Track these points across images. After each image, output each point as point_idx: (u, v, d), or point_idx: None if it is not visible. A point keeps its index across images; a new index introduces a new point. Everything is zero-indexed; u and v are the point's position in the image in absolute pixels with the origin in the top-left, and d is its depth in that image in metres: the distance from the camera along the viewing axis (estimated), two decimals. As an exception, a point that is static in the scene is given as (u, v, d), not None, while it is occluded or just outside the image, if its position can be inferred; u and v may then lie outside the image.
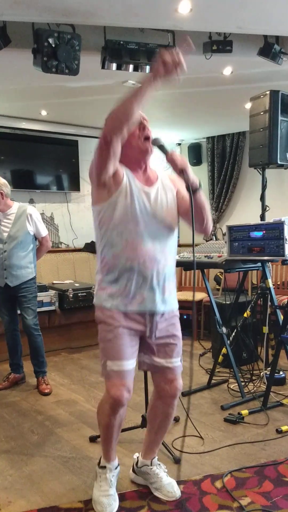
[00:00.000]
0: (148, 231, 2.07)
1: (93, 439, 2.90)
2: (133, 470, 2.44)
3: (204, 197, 2.11)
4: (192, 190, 2.02)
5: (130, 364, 2.09)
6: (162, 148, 2.12)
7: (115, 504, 2.20)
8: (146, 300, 2.10)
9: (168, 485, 2.30)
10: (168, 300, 2.18)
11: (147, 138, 2.10)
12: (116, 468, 2.30)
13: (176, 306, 2.27)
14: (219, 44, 3.35)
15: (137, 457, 2.42)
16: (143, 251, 2.06)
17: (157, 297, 2.11)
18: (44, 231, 3.84)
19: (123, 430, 2.93)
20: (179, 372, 2.24)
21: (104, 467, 2.26)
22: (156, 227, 2.09)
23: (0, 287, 3.74)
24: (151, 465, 2.34)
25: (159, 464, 2.37)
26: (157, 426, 2.32)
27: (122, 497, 2.29)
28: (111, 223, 2.06)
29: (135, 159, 2.12)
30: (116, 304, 2.09)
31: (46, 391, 3.76)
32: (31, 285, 3.77)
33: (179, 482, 2.38)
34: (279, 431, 2.94)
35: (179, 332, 2.24)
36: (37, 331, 3.81)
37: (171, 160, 2.04)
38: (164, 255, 2.12)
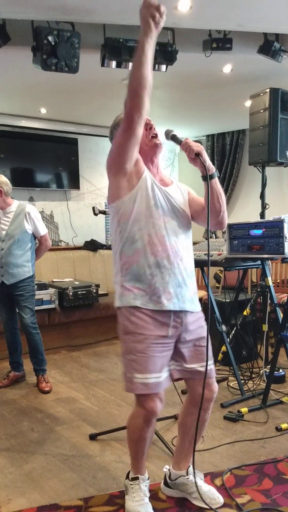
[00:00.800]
0: (170, 226, 2.03)
1: (93, 437, 2.91)
2: (166, 484, 2.31)
3: (219, 185, 2.05)
4: (209, 174, 1.98)
5: (163, 374, 2.01)
6: (174, 138, 2.11)
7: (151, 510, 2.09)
8: (174, 296, 2.00)
9: (208, 492, 2.21)
10: (194, 299, 2.11)
11: (154, 136, 2.11)
12: (147, 479, 2.21)
13: (200, 307, 2.17)
14: (219, 41, 3.35)
15: (169, 470, 2.31)
16: (167, 245, 2.00)
17: (185, 293, 2.04)
18: (43, 230, 3.82)
19: (123, 428, 2.92)
20: (214, 375, 2.17)
21: (137, 478, 2.16)
22: (176, 223, 2.05)
23: None
24: (187, 474, 2.24)
25: (194, 472, 2.22)
26: (191, 434, 2.19)
27: (122, 495, 2.29)
28: (132, 217, 1.99)
29: (146, 156, 2.10)
30: (145, 303, 1.99)
31: (46, 389, 3.76)
32: (28, 284, 3.77)
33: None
34: (278, 429, 2.95)
35: (206, 332, 2.11)
36: (35, 329, 3.81)
37: (186, 145, 2.00)
38: (187, 251, 2.08)
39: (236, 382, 3.62)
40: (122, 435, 2.90)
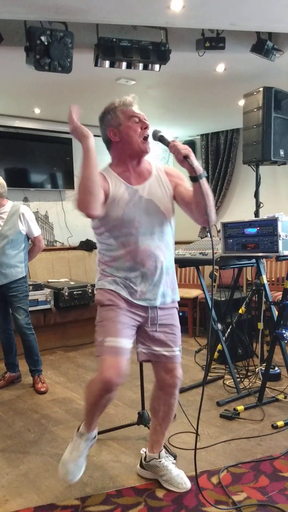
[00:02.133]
0: (143, 230, 2.10)
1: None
2: (141, 465, 2.45)
3: (207, 185, 2.07)
4: (198, 176, 1.99)
5: (127, 343, 2.10)
6: (162, 139, 2.12)
7: (79, 473, 2.22)
8: (146, 294, 2.14)
9: (177, 476, 2.33)
10: (168, 294, 2.22)
11: (146, 138, 2.13)
12: (93, 439, 2.29)
13: (177, 297, 2.29)
14: (212, 41, 3.36)
15: (145, 452, 2.44)
16: (140, 250, 2.10)
17: (158, 291, 2.16)
18: (36, 231, 3.82)
19: (119, 428, 2.94)
20: (179, 361, 2.26)
21: (82, 434, 2.24)
22: (150, 224, 2.12)
23: None
24: (159, 458, 2.36)
25: (166, 456, 2.40)
26: (160, 418, 2.34)
27: (119, 493, 2.30)
28: (106, 230, 2.12)
29: (131, 155, 2.14)
30: (119, 289, 2.13)
31: (42, 389, 3.76)
32: (22, 284, 3.76)
33: (175, 478, 2.39)
34: (274, 427, 2.96)
35: (177, 322, 2.27)
36: (30, 330, 3.80)
37: (173, 147, 2.02)
38: (162, 250, 2.16)
39: (232, 380, 3.63)
40: (119, 435, 2.91)
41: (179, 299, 2.31)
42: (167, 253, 2.19)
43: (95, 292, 2.28)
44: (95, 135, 1.99)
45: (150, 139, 2.15)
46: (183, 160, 1.98)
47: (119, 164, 2.17)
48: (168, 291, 2.22)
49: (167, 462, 2.38)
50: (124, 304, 2.13)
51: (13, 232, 3.65)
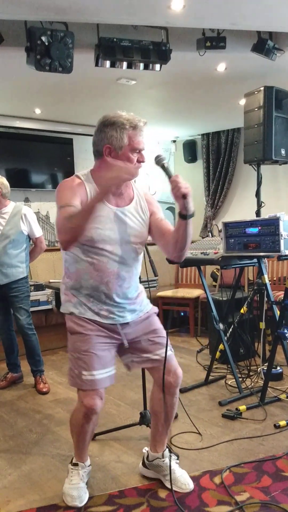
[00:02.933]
0: (114, 254, 2.07)
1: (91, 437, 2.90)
2: (143, 464, 2.45)
3: (191, 226, 2.03)
4: (187, 215, 1.95)
5: (107, 371, 2.13)
6: (165, 168, 2.03)
7: (85, 496, 2.25)
8: (112, 314, 2.13)
9: (181, 477, 2.33)
10: (136, 309, 2.22)
11: (140, 162, 2.08)
12: (88, 466, 2.37)
13: (149, 307, 2.30)
14: (213, 40, 3.35)
15: (147, 451, 2.44)
16: (108, 272, 2.07)
17: (123, 310, 2.15)
18: (38, 232, 3.82)
19: (122, 428, 2.94)
20: (175, 360, 2.27)
21: (77, 464, 2.32)
22: (123, 248, 2.09)
23: None
24: (163, 457, 2.36)
25: (170, 456, 2.39)
26: (163, 418, 2.32)
27: (121, 494, 2.29)
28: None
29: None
30: (83, 312, 2.12)
31: (44, 390, 3.76)
32: (23, 285, 3.76)
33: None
34: (277, 426, 2.95)
35: (157, 325, 2.28)
36: (31, 330, 3.80)
37: (175, 183, 1.93)
38: (129, 275, 2.14)
39: (234, 380, 3.62)
40: (121, 435, 2.90)
41: (150, 307, 2.30)
42: (134, 279, 2.18)
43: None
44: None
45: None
46: (181, 197, 1.91)
47: (102, 178, 2.04)
48: (137, 307, 2.22)
49: (171, 462, 2.37)
50: (94, 327, 2.12)
51: (15, 232, 3.66)
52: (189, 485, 2.31)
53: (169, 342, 2.25)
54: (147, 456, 2.43)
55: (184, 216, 1.96)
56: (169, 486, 2.30)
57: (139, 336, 2.22)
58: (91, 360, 2.08)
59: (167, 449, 2.40)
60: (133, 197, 2.17)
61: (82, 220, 1.88)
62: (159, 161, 2.03)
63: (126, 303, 2.16)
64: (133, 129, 2.02)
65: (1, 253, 3.64)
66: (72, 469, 2.32)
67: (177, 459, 2.50)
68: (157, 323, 2.29)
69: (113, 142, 2.02)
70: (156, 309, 2.34)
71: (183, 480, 2.32)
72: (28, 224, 3.73)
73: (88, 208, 1.88)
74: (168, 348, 2.24)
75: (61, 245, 1.95)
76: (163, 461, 2.35)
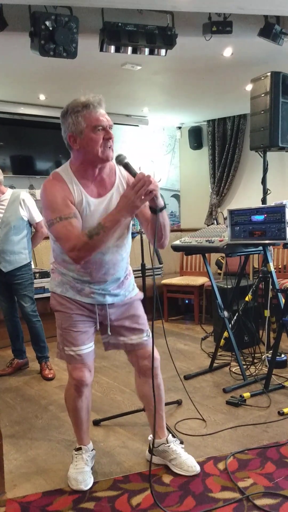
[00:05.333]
0: None
1: (96, 423, 2.93)
2: (150, 451, 2.45)
3: (166, 215, 2.10)
4: (157, 209, 1.98)
5: (86, 348, 2.21)
6: (127, 167, 2.00)
7: (90, 480, 2.28)
8: (95, 294, 2.17)
9: (187, 460, 2.36)
10: (120, 293, 2.24)
11: (109, 147, 2.02)
12: (91, 450, 2.41)
13: (134, 293, 2.33)
14: (219, 25, 3.30)
15: (152, 438, 2.43)
16: (91, 262, 2.08)
17: (105, 294, 2.19)
18: (38, 217, 3.81)
19: (126, 414, 2.96)
20: (150, 345, 2.29)
21: (80, 449, 2.36)
22: None
23: None
24: (167, 442, 2.39)
25: (175, 440, 2.43)
26: (151, 403, 2.32)
27: (125, 479, 2.32)
28: None
29: (92, 165, 2.05)
30: (65, 291, 2.18)
31: (49, 376, 3.79)
32: (26, 272, 3.77)
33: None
34: (281, 413, 2.97)
35: (138, 311, 2.31)
36: (36, 317, 3.83)
37: (140, 180, 1.91)
38: (114, 262, 2.15)
39: (238, 367, 3.63)
40: (125, 421, 2.93)
41: (135, 293, 2.33)
42: (120, 266, 2.18)
43: None
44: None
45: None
46: (148, 194, 1.90)
47: (80, 170, 2.07)
48: (120, 292, 2.24)
49: (176, 446, 2.41)
50: (74, 306, 2.18)
51: (15, 218, 3.66)
52: (196, 467, 2.33)
53: (147, 328, 2.32)
54: (153, 442, 2.44)
55: (154, 210, 1.99)
56: (176, 471, 2.33)
57: (118, 319, 2.26)
58: (71, 337, 2.18)
59: (170, 435, 2.44)
60: (115, 181, 2.14)
61: (106, 238, 1.93)
62: (120, 160, 2.00)
63: (109, 288, 2.19)
64: (87, 108, 1.98)
65: (3, 240, 3.65)
66: (76, 454, 2.36)
67: (181, 444, 2.52)
68: (139, 310, 2.32)
69: (72, 129, 2.02)
70: (141, 295, 2.37)
71: (189, 463, 2.35)
72: (27, 209, 3.72)
73: (113, 226, 1.91)
74: (145, 334, 2.30)
75: (75, 261, 1.97)
76: (169, 446, 2.39)
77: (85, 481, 2.25)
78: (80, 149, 2.03)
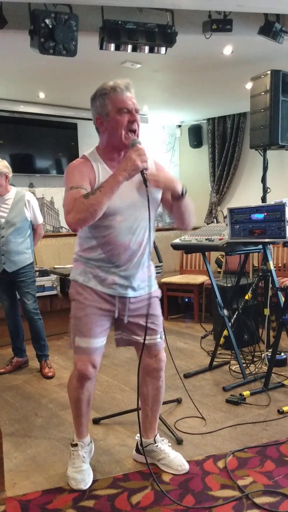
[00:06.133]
0: (125, 225, 2.06)
1: (96, 421, 2.93)
2: (137, 451, 2.47)
3: (189, 200, 2.13)
4: (182, 197, 2.06)
5: (97, 342, 2.18)
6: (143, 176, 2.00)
7: (89, 478, 2.27)
8: (117, 284, 2.13)
9: (176, 459, 2.36)
10: (141, 287, 2.21)
11: (133, 131, 2.03)
12: (88, 444, 2.39)
13: (154, 288, 2.29)
14: (219, 23, 3.30)
15: (139, 438, 2.45)
16: (118, 244, 2.07)
17: (130, 283, 2.15)
18: (40, 219, 3.84)
19: (126, 412, 2.96)
20: (161, 346, 2.31)
21: (76, 445, 2.34)
22: (133, 218, 2.07)
23: None
24: (155, 442, 2.39)
25: (162, 440, 2.43)
26: (151, 403, 2.38)
27: (125, 477, 2.32)
28: None
29: (116, 147, 2.07)
30: (87, 280, 2.14)
31: (49, 374, 3.79)
32: (29, 270, 3.78)
33: (181, 463, 2.42)
34: (280, 412, 2.97)
35: (156, 311, 2.29)
36: (37, 315, 3.83)
37: (155, 185, 2.03)
38: (141, 246, 2.12)
39: (238, 365, 3.63)
40: (125, 419, 2.93)
41: (155, 289, 2.30)
42: (146, 249, 2.15)
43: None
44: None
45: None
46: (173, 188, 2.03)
47: (106, 152, 2.10)
48: (142, 285, 2.21)
49: (164, 445, 2.41)
50: (92, 298, 2.14)
51: (20, 219, 3.66)
52: (184, 465, 2.34)
53: (161, 329, 2.30)
54: (140, 442, 2.43)
55: (175, 197, 2.07)
56: (165, 470, 2.34)
57: (135, 315, 2.22)
58: (84, 328, 2.15)
59: (158, 434, 2.43)
60: None
61: (102, 197, 1.89)
62: (133, 143, 2.00)
63: (133, 275, 2.14)
64: (114, 91, 2.01)
65: (8, 241, 3.65)
66: (72, 450, 2.35)
67: (178, 443, 2.54)
68: (157, 309, 2.30)
69: (99, 111, 2.05)
70: (159, 293, 2.33)
71: (178, 462, 2.35)
72: (32, 211, 3.73)
73: (111, 187, 1.90)
74: (159, 335, 2.28)
75: (71, 225, 1.93)
76: (156, 445, 2.39)
77: (84, 481, 2.24)
78: (106, 131, 2.06)
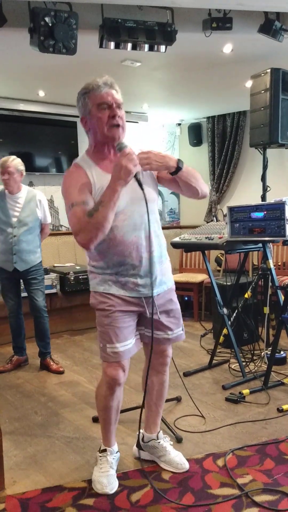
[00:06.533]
0: (128, 222, 2.04)
1: (96, 420, 2.93)
2: (138, 446, 2.45)
3: (189, 168, 2.09)
4: (178, 170, 2.03)
5: (126, 344, 2.14)
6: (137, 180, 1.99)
7: (115, 483, 2.23)
8: (139, 286, 2.11)
9: (176, 457, 2.36)
10: (161, 282, 2.19)
11: (116, 125, 2.00)
12: (116, 452, 2.35)
13: (171, 282, 2.30)
14: (219, 21, 3.29)
15: (142, 433, 2.45)
16: (127, 243, 2.05)
17: (150, 282, 2.11)
18: (49, 218, 3.91)
19: (126, 410, 2.97)
20: (182, 338, 2.34)
21: (105, 450, 2.31)
22: (135, 214, 2.05)
23: (7, 271, 3.75)
24: (157, 438, 2.40)
25: (164, 437, 2.44)
26: (155, 397, 2.39)
27: (125, 476, 2.32)
28: None
29: (103, 145, 2.07)
30: (108, 288, 2.12)
31: (60, 369, 3.83)
32: (40, 267, 3.84)
33: (181, 461, 2.42)
34: (280, 410, 2.97)
35: (176, 305, 2.31)
36: (46, 312, 3.87)
37: (148, 168, 2.00)
38: (150, 240, 2.09)
39: (237, 364, 3.64)
40: (125, 418, 2.93)
41: (173, 283, 2.31)
42: (156, 243, 2.12)
43: None
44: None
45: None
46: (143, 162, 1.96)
47: (96, 152, 2.09)
48: (163, 280, 2.20)
49: (166, 443, 2.41)
50: (117, 303, 2.11)
51: (32, 219, 3.70)
52: (185, 464, 2.34)
53: (181, 321, 2.34)
54: (142, 437, 2.44)
55: (173, 173, 2.04)
56: (164, 467, 2.34)
57: (159, 312, 2.20)
58: (113, 334, 2.11)
59: (161, 431, 2.43)
60: None
61: (106, 212, 1.87)
62: (119, 148, 1.97)
63: (153, 271, 2.11)
64: (92, 89, 2.00)
65: (19, 241, 3.66)
66: (100, 456, 2.30)
67: (178, 441, 2.54)
68: (176, 303, 2.31)
69: (82, 111, 2.05)
70: (174, 284, 2.33)
71: (178, 460, 2.35)
72: (43, 210, 3.79)
73: (111, 198, 1.88)
74: (181, 328, 2.32)
75: (84, 246, 1.93)
76: (158, 442, 2.39)
77: (111, 485, 2.20)
78: (91, 130, 2.06)
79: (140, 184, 1.97)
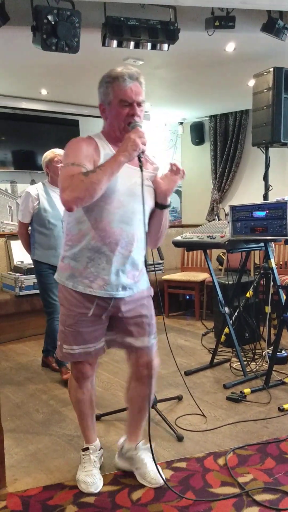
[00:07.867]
0: (121, 212, 1.97)
1: (97, 418, 2.93)
2: (119, 456, 2.38)
3: (167, 215, 2.20)
4: (164, 207, 2.12)
5: (86, 347, 2.11)
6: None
7: (100, 482, 2.22)
8: (107, 284, 2.02)
9: (151, 472, 2.22)
10: (133, 286, 2.10)
11: (130, 124, 1.98)
12: (99, 449, 2.34)
13: (145, 286, 2.19)
14: (222, 20, 3.28)
15: (122, 443, 2.38)
16: (111, 232, 1.97)
17: (120, 282, 2.04)
18: None
19: (123, 410, 2.96)
20: (154, 351, 2.20)
21: (87, 449, 2.30)
22: (131, 208, 1.99)
23: (53, 266, 3.47)
24: (135, 449, 2.29)
25: (145, 447, 2.29)
26: (137, 409, 2.28)
27: (126, 474, 2.32)
28: None
29: (116, 138, 2.03)
30: (76, 285, 2.04)
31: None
32: None
33: (182, 459, 2.43)
34: (281, 409, 2.97)
35: (149, 311, 2.17)
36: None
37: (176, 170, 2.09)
38: (134, 240, 2.03)
39: (238, 363, 3.64)
40: (121, 417, 2.93)
41: (148, 287, 2.20)
42: (138, 245, 2.05)
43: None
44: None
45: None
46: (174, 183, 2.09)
47: (109, 138, 2.05)
48: (134, 284, 2.10)
49: (145, 455, 2.28)
50: (80, 304, 2.05)
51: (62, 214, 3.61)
52: (158, 479, 2.19)
53: (155, 330, 2.19)
54: (122, 447, 2.36)
55: (160, 206, 2.12)
56: (140, 481, 2.24)
57: (128, 317, 2.12)
58: (71, 336, 2.10)
59: (141, 442, 2.31)
60: (147, 160, 2.10)
61: (103, 176, 1.82)
62: (132, 126, 1.97)
63: (125, 273, 2.04)
64: (117, 80, 1.96)
65: (58, 235, 3.52)
66: (83, 455, 2.30)
67: (179, 440, 2.52)
68: (150, 309, 2.18)
69: (103, 98, 2.02)
70: (152, 291, 2.22)
71: (153, 475, 2.21)
72: None
73: (111, 167, 1.85)
74: (152, 337, 2.17)
75: (66, 203, 1.83)
76: (136, 453, 2.28)
77: (95, 484, 2.19)
78: (108, 119, 2.04)
79: (141, 165, 1.95)
